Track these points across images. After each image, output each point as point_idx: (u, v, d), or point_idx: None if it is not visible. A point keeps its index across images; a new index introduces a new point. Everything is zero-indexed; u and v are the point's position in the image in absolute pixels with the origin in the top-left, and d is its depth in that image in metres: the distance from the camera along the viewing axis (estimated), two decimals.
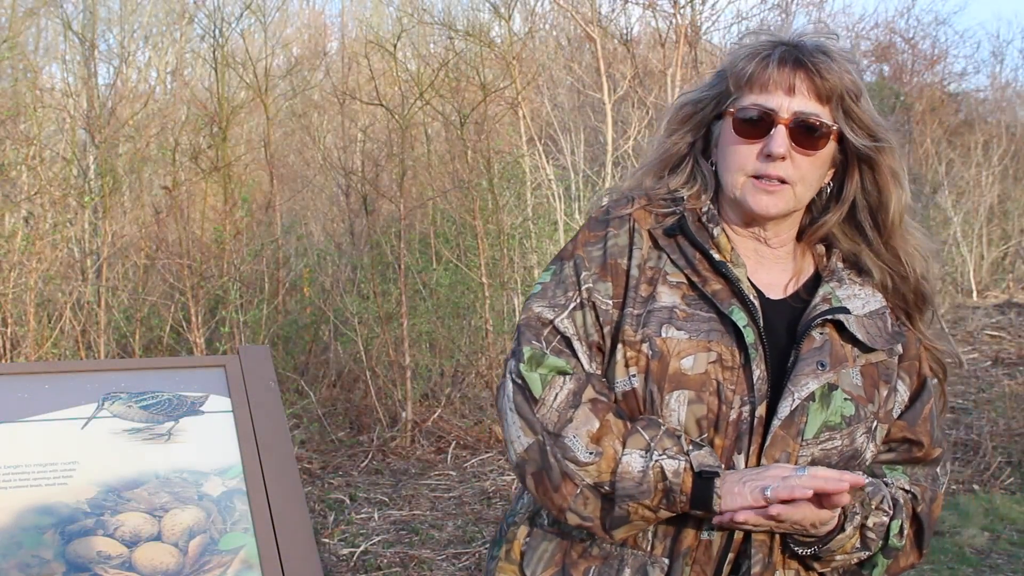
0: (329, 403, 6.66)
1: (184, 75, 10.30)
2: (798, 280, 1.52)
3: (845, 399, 1.42)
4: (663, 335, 1.41)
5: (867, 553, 1.44)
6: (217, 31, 7.60)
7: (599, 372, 1.45)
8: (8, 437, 1.65)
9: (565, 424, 1.38)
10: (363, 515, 5.05)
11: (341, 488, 5.47)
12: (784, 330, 1.46)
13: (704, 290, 1.43)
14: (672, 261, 1.46)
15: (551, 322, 1.45)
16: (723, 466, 1.38)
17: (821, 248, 1.54)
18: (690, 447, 1.37)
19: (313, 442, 6.11)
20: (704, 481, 1.35)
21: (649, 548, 1.42)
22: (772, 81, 1.42)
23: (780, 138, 1.41)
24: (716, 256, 1.45)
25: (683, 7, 7.69)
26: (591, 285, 1.46)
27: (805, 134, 1.42)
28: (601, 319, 1.44)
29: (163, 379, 1.83)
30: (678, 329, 1.41)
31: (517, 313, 6.98)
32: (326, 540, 4.70)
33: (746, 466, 1.39)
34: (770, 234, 1.50)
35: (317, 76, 9.96)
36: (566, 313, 1.45)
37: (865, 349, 1.46)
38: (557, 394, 1.40)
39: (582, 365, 1.44)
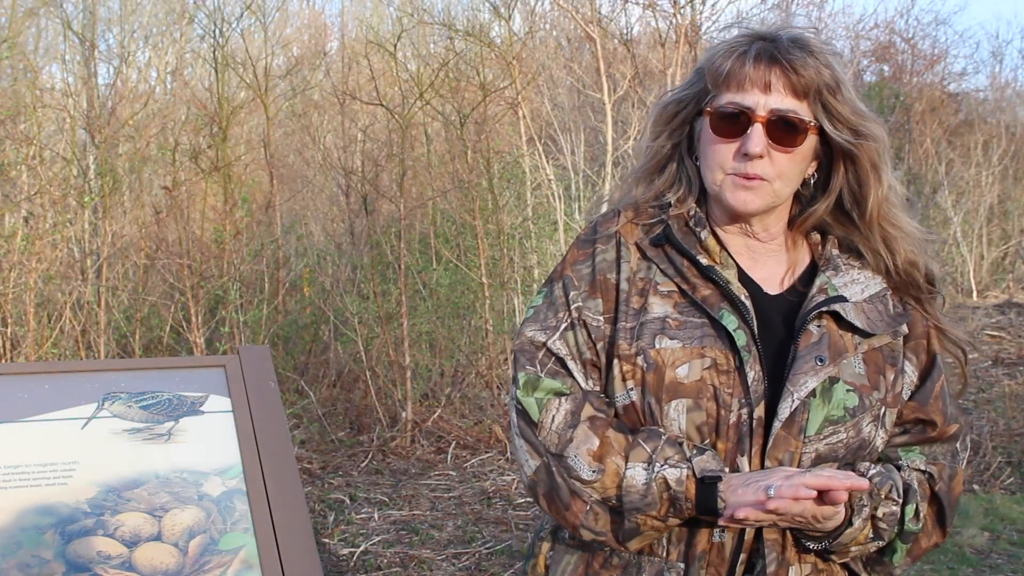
0: (329, 403, 6.66)
1: (184, 75, 10.30)
2: (794, 272, 1.52)
3: (848, 390, 1.42)
4: (657, 346, 1.42)
5: (882, 542, 1.44)
6: (217, 31, 7.60)
7: (597, 389, 1.47)
8: (8, 437, 1.65)
9: (566, 444, 1.40)
10: (363, 515, 5.05)
11: (341, 488, 5.47)
12: (782, 325, 1.46)
13: (694, 296, 1.44)
14: (661, 271, 1.47)
15: (544, 344, 1.47)
16: (727, 469, 1.38)
17: (816, 236, 1.54)
18: (693, 452, 1.38)
19: (313, 442, 6.11)
20: (708, 486, 1.35)
21: (665, 554, 1.43)
22: (748, 79, 1.42)
23: (757, 137, 1.41)
24: (704, 261, 1.45)
25: (683, 7, 7.68)
26: (580, 304, 1.48)
27: (782, 131, 1.42)
28: (593, 336, 1.46)
29: (163, 379, 1.83)
30: (671, 339, 1.42)
31: (517, 313, 6.99)
32: (326, 540, 4.70)
33: (750, 468, 1.39)
34: (757, 228, 1.50)
35: (317, 76, 9.96)
36: (557, 335, 1.47)
37: (866, 335, 1.46)
38: (555, 416, 1.42)
39: (578, 384, 1.45)
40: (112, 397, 1.76)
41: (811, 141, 1.45)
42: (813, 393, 1.40)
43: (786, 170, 1.44)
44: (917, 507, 1.45)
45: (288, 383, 6.66)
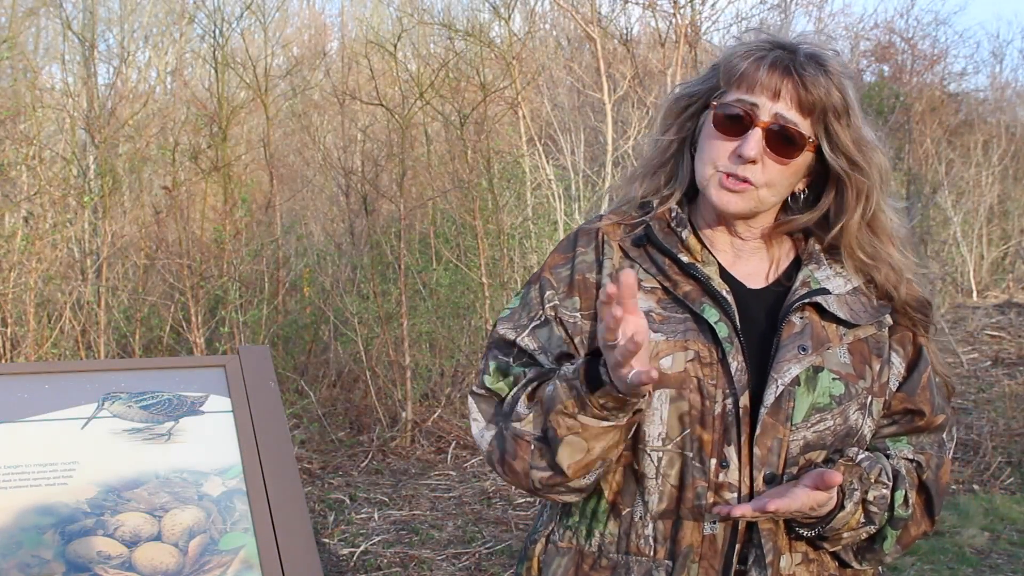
0: (329, 403, 6.66)
1: (184, 75, 10.30)
2: (778, 267, 1.53)
3: (833, 379, 1.44)
4: None
5: (873, 527, 1.46)
6: (217, 31, 7.61)
7: None
8: (8, 437, 1.65)
9: (515, 402, 1.44)
10: (363, 515, 5.05)
11: (341, 488, 5.47)
12: (765, 318, 1.48)
13: (676, 293, 1.46)
14: (643, 269, 1.49)
15: (513, 342, 1.51)
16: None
17: (800, 233, 1.55)
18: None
19: (313, 442, 6.12)
20: (593, 360, 1.36)
21: (652, 553, 1.44)
22: (760, 83, 1.43)
23: (754, 141, 1.42)
24: (685, 259, 1.47)
25: (683, 7, 7.69)
26: (557, 303, 1.50)
27: (780, 141, 1.43)
28: (570, 331, 1.48)
29: (163, 379, 1.83)
30: (654, 332, 1.43)
31: None
32: (326, 540, 4.70)
33: (738, 457, 1.40)
34: (740, 229, 1.52)
35: (317, 76, 9.96)
36: (527, 332, 1.50)
37: (850, 326, 1.48)
38: (516, 389, 1.46)
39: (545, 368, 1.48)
40: (112, 397, 1.76)
41: (806, 157, 1.46)
42: (797, 381, 1.42)
43: (776, 180, 1.45)
44: (906, 493, 1.47)
45: (288, 383, 6.66)
